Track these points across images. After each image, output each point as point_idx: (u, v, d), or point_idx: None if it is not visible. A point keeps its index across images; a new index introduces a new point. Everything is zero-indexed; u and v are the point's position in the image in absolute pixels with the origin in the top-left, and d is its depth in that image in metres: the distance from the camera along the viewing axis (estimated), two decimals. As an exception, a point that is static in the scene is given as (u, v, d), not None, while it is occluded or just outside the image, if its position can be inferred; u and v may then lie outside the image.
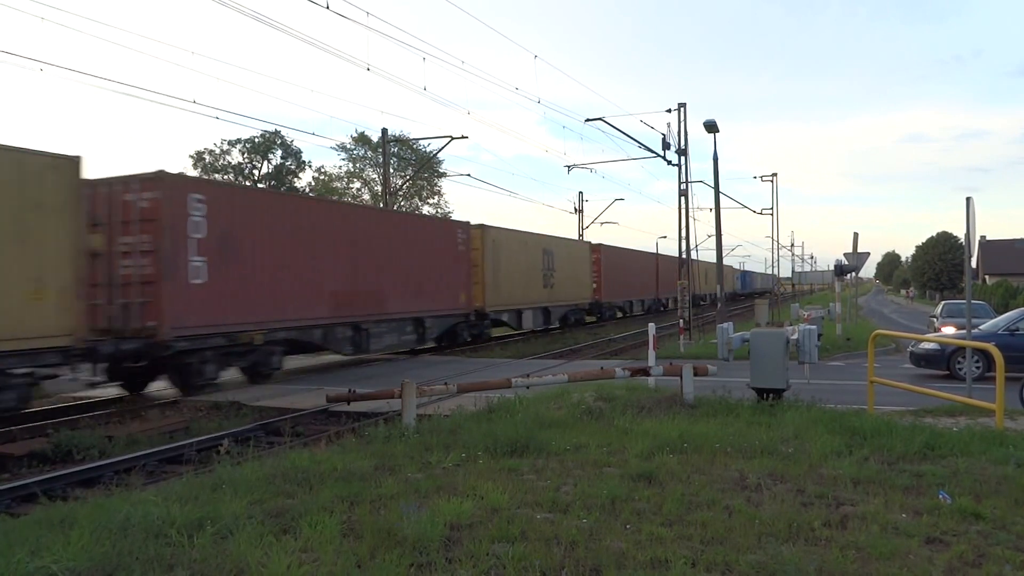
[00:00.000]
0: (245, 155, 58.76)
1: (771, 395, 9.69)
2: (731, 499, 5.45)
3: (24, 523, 5.24)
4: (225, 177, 58.58)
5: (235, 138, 57.85)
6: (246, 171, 59.32)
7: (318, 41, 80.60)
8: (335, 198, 49.04)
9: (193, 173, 57.47)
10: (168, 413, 12.81)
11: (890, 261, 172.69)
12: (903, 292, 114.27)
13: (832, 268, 29.82)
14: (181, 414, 12.68)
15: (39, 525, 5.03)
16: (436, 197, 61.34)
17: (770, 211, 46.80)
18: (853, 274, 29.82)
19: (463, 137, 40.39)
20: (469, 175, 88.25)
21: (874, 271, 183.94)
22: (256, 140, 57.48)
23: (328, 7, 15.18)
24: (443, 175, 57.47)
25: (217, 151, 57.87)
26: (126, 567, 4.14)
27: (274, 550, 4.29)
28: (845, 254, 26.51)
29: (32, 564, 4.11)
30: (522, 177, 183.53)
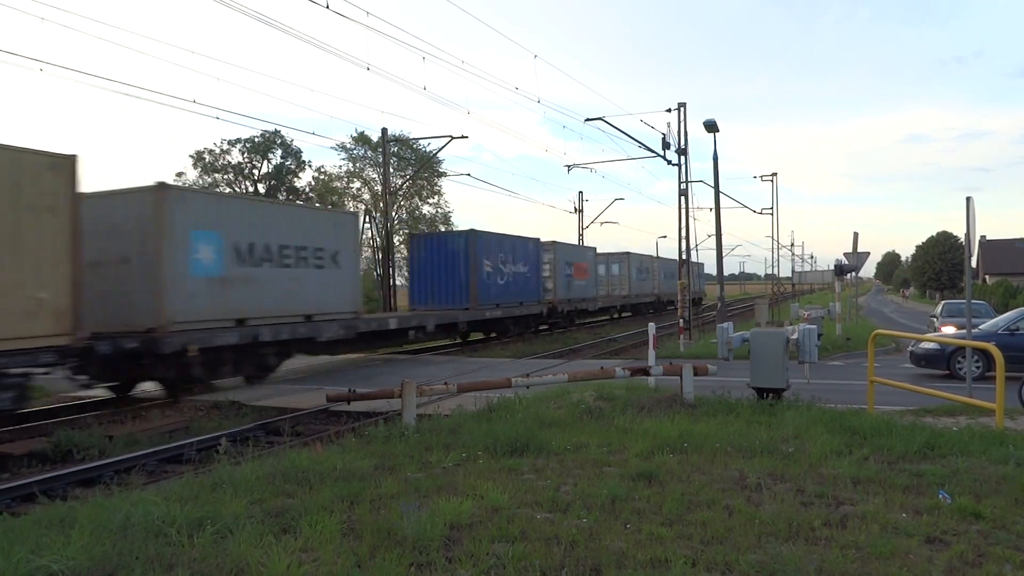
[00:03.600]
0: (245, 155, 58.78)
1: (771, 395, 9.69)
2: (731, 499, 5.45)
3: (24, 522, 5.23)
4: (225, 177, 58.61)
5: (235, 138, 57.91)
6: (246, 171, 59.35)
7: (318, 41, 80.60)
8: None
9: (193, 173, 57.54)
10: (168, 413, 12.80)
11: (890, 261, 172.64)
12: (901, 292, 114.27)
13: (832, 268, 29.83)
14: (181, 414, 12.68)
15: (39, 524, 5.03)
16: (436, 197, 61.37)
17: (770, 211, 46.85)
18: (853, 274, 29.82)
19: (463, 137, 40.51)
20: (469, 175, 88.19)
21: (874, 271, 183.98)
22: (256, 140, 57.50)
23: (328, 7, 15.18)
24: (443, 175, 57.47)
25: (217, 151, 57.90)
26: (126, 566, 4.14)
27: (274, 550, 4.29)
28: (845, 254, 26.52)
29: (32, 563, 4.10)
30: (522, 177, 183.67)
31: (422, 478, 6.16)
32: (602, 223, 65.27)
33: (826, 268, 43.62)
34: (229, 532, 4.67)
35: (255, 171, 59.72)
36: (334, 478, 6.10)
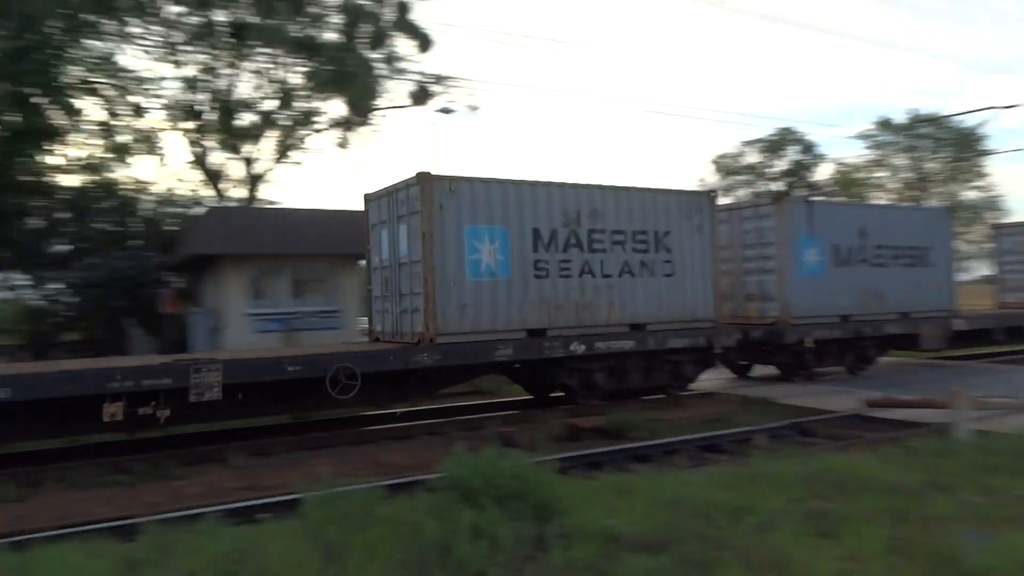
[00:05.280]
0: (763, 156, 59.38)
1: None
2: None
3: (596, 486, 6.27)
4: (741, 179, 60.13)
5: (751, 140, 58.92)
6: (762, 171, 59.87)
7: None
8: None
9: (713, 177, 60.52)
10: (703, 404, 13.76)
11: None
12: None
13: None
14: (714, 405, 13.52)
15: (606, 490, 5.97)
16: (980, 180, 52.41)
17: None
18: None
19: (1013, 106, 33.62)
20: (1028, 147, 72.41)
21: None
22: (771, 140, 57.55)
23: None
24: (987, 153, 48.65)
25: (733, 153, 59.82)
26: (680, 539, 4.63)
27: (818, 552, 4.28)
28: None
29: (605, 522, 4.91)
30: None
31: (984, 504, 5.39)
32: None
33: None
34: (769, 525, 4.83)
35: (769, 170, 59.80)
36: (874, 488, 5.78)
